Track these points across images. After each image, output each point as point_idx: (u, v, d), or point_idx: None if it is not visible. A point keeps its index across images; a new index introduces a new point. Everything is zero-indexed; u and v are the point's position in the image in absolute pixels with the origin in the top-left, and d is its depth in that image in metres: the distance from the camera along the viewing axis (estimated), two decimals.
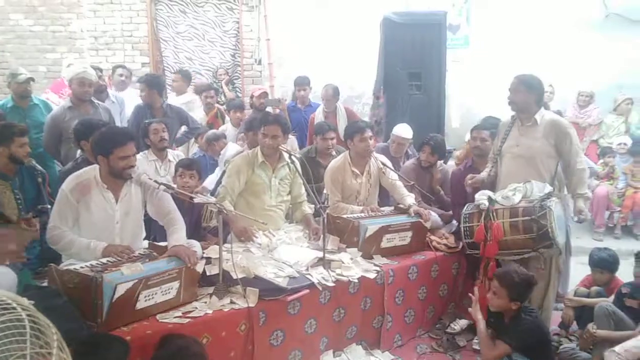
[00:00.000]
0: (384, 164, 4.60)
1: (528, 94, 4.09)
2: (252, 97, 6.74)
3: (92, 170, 3.40)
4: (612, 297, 3.87)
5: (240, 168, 4.23)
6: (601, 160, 7.15)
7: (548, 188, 3.95)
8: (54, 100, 6.34)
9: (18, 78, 5.31)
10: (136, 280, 2.87)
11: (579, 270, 4.55)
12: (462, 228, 4.08)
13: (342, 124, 6.08)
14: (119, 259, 3.11)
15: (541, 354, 3.31)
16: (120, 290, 2.80)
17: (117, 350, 2.53)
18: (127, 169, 3.33)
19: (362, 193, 4.62)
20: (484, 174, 4.36)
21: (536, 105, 4.14)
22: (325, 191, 4.18)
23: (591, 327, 3.56)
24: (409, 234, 4.24)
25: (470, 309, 3.59)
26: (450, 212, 4.84)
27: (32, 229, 3.68)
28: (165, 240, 3.42)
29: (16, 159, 3.88)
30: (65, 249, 3.27)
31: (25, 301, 1.70)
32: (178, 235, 3.36)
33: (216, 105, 7.00)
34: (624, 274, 4.17)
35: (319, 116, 6.24)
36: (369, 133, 4.53)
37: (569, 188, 4.18)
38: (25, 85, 5.34)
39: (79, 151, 4.41)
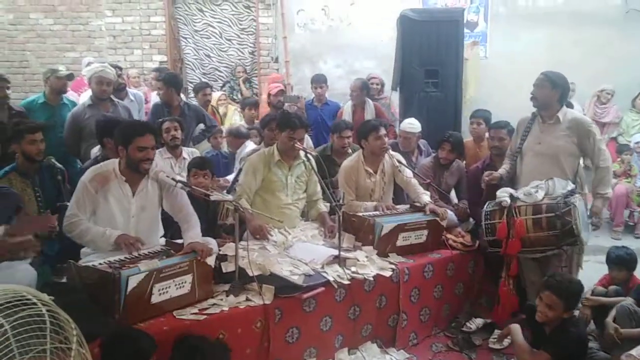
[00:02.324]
0: (399, 162, 4.59)
1: (552, 91, 4.07)
2: (269, 95, 6.76)
3: (112, 163, 3.46)
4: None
5: (256, 166, 4.25)
6: (619, 158, 7.07)
7: (570, 185, 3.93)
8: (74, 99, 6.41)
9: (59, 73, 5.38)
10: (147, 272, 2.90)
11: (597, 269, 4.50)
12: (483, 225, 4.05)
13: (369, 118, 6.05)
14: (130, 253, 3.15)
15: None
16: (133, 282, 2.83)
17: (144, 344, 2.56)
18: (144, 161, 3.36)
19: (376, 192, 4.61)
20: (501, 171, 4.33)
21: (558, 103, 4.11)
22: (340, 189, 4.18)
23: (614, 327, 3.46)
24: (425, 232, 4.23)
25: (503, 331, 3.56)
26: (466, 208, 4.82)
27: (52, 225, 3.73)
28: (181, 238, 3.45)
29: (27, 156, 3.91)
30: (81, 237, 3.31)
31: (45, 297, 1.73)
32: (193, 232, 3.40)
33: (212, 102, 7.00)
34: None
35: (347, 111, 6.22)
36: (383, 131, 4.51)
37: (592, 186, 4.14)
38: (64, 80, 5.43)
39: (97, 148, 4.46)
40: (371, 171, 4.59)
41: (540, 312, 3.23)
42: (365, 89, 6.28)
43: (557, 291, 3.16)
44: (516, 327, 3.38)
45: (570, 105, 4.81)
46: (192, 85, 8.94)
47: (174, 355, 2.69)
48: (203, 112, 6.06)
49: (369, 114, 6.12)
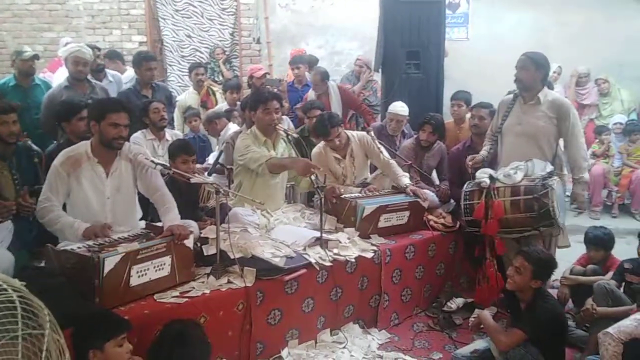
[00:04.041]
0: (378, 142, 4.57)
1: (535, 72, 4.07)
2: (251, 77, 6.70)
3: (84, 146, 3.42)
4: (609, 274, 3.89)
5: (251, 143, 4.21)
6: (597, 139, 7.15)
7: (549, 167, 3.95)
8: (49, 80, 6.29)
9: (23, 55, 5.27)
10: (124, 254, 2.87)
11: (575, 249, 4.56)
12: (462, 205, 4.08)
13: (335, 104, 6.06)
14: (105, 240, 3.09)
15: (554, 343, 3.23)
16: (109, 264, 2.80)
17: (117, 326, 2.53)
18: (116, 138, 3.33)
19: (348, 177, 4.62)
20: (483, 153, 4.34)
21: (541, 84, 4.12)
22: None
23: (591, 304, 3.55)
24: (407, 213, 4.25)
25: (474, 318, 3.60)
26: (448, 189, 4.84)
27: (29, 205, 3.69)
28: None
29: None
30: (50, 224, 3.26)
31: (16, 282, 1.70)
32: (172, 214, 3.37)
33: (206, 82, 6.94)
34: (620, 252, 4.18)
35: (311, 97, 6.21)
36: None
37: (570, 169, 4.18)
38: (30, 62, 5.32)
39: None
40: (339, 157, 4.59)
41: (509, 276, 3.30)
42: (325, 78, 6.26)
43: (527, 257, 3.24)
44: (484, 314, 3.45)
45: (550, 87, 4.83)
46: (171, 68, 8.87)
47: (158, 341, 2.66)
48: (169, 90, 6.07)
49: (335, 99, 6.13)
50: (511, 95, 4.33)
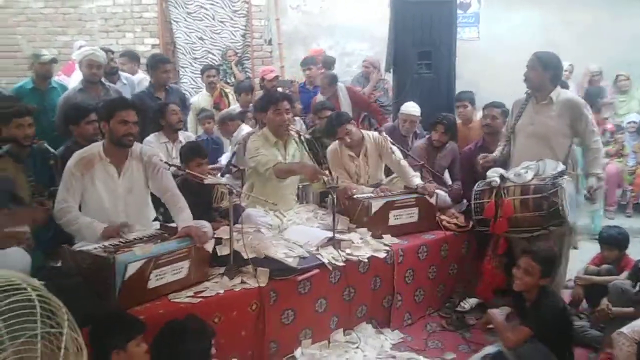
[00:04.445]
0: (392, 143, 4.57)
1: (544, 72, 4.03)
2: (262, 78, 6.72)
3: (96, 147, 3.47)
4: (624, 274, 3.87)
5: (261, 145, 4.25)
6: (612, 138, 7.10)
7: (561, 167, 3.92)
8: (65, 83, 6.35)
9: (42, 59, 5.34)
10: (146, 260, 2.90)
11: (589, 249, 4.54)
12: (472, 204, 4.08)
13: (344, 106, 6.07)
14: (120, 241, 3.13)
15: (560, 340, 3.22)
16: (131, 269, 2.84)
17: (136, 326, 2.57)
18: (126, 135, 3.38)
19: (361, 175, 4.62)
20: (496, 153, 4.33)
21: (551, 84, 4.08)
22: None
23: (606, 304, 3.53)
24: (416, 210, 4.24)
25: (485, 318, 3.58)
26: (460, 189, 4.82)
27: (45, 209, 3.73)
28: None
29: (15, 140, 3.89)
30: (69, 225, 3.31)
31: (35, 282, 1.73)
32: (185, 214, 3.40)
33: (218, 84, 6.96)
34: (635, 252, 4.16)
35: (320, 100, 6.22)
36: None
37: (584, 166, 4.16)
38: (48, 66, 5.38)
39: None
40: (353, 155, 4.59)
41: (518, 279, 3.29)
42: (333, 82, 6.27)
43: (535, 257, 3.25)
44: (493, 312, 3.45)
45: (565, 86, 4.80)
46: (184, 70, 8.91)
47: (157, 341, 2.68)
48: (182, 92, 6.12)
49: (344, 101, 6.15)
50: (525, 95, 4.31)
